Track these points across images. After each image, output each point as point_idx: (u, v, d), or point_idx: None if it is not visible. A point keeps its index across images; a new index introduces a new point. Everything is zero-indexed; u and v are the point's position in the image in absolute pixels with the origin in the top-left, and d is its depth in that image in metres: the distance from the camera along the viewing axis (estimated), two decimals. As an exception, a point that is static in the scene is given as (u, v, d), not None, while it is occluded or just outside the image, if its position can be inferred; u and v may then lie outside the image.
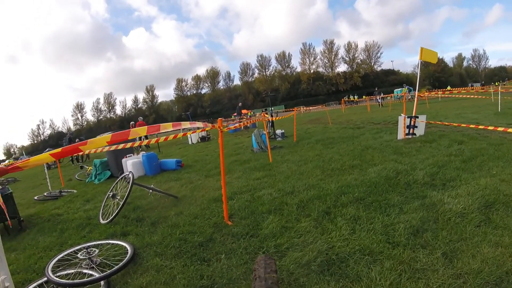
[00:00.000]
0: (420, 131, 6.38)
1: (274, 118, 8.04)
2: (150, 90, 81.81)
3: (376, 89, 31.21)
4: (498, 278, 1.67)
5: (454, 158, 4.24)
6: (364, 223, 2.48)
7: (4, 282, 1.15)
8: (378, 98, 25.90)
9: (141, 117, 18.37)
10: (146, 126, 1.94)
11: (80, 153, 9.73)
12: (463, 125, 5.57)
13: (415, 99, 6.81)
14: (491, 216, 2.39)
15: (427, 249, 2.05)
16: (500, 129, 4.38)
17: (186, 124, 2.26)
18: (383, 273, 1.83)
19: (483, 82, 38.31)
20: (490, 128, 4.75)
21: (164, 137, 4.33)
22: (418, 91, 7.07)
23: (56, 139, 67.43)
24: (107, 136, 1.70)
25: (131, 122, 17.60)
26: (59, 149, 1.56)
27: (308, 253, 2.12)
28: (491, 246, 1.98)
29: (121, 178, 4.18)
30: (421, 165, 4.03)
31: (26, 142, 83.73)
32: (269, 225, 2.67)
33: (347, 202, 2.99)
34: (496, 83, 29.12)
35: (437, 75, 64.28)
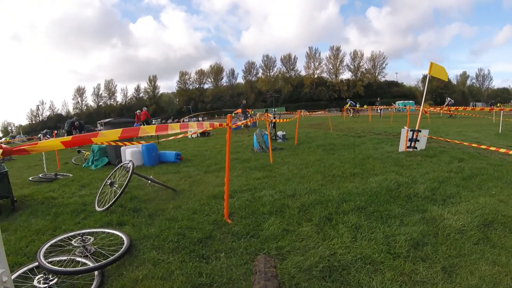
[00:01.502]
0: (421, 145, 6.38)
1: (277, 120, 8.01)
2: (152, 80, 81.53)
3: (378, 99, 31.37)
4: (495, 296, 1.66)
5: (455, 175, 4.24)
6: (366, 232, 2.47)
7: (2, 276, 1.07)
8: (378, 108, 26.08)
9: (145, 107, 18.16)
10: (155, 125, 1.91)
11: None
12: (465, 143, 5.57)
13: (420, 113, 6.82)
14: (489, 235, 2.41)
15: (427, 263, 2.06)
16: (502, 150, 4.39)
17: (193, 126, 2.21)
18: (384, 283, 1.82)
19: (493, 101, 37.92)
20: (492, 148, 4.76)
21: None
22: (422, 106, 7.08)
23: (55, 121, 66.92)
24: (117, 130, 1.69)
25: (137, 111, 17.51)
26: (69, 137, 1.53)
27: (310, 258, 2.09)
28: (489, 264, 2.00)
29: (120, 166, 4.12)
30: (422, 179, 4.03)
31: (24, 121, 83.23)
32: (270, 226, 2.63)
33: (348, 209, 2.97)
34: (498, 104, 29.43)
35: (439, 90, 64.60)
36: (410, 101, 41.45)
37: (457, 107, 10.94)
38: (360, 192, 3.53)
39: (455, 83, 73.93)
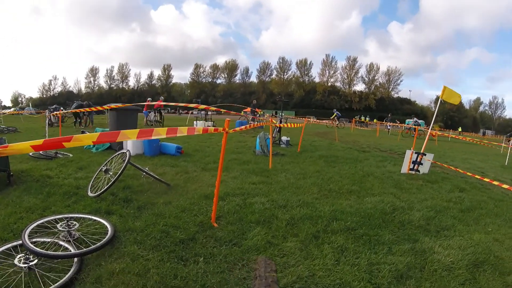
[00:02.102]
0: (424, 169, 6.28)
1: (282, 125, 7.97)
2: (166, 69, 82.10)
3: (389, 115, 31.04)
4: None
5: (453, 205, 4.16)
6: (350, 256, 2.41)
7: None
8: (388, 124, 25.83)
9: (162, 97, 18.50)
10: (138, 130, 1.88)
11: (83, 118, 9.71)
12: (468, 173, 5.46)
13: (427, 136, 6.71)
14: (477, 276, 2.32)
15: None
16: (505, 186, 4.28)
17: (183, 131, 2.14)
18: None
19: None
20: (495, 183, 4.65)
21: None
22: (431, 128, 6.98)
23: (65, 98, 67.72)
24: (94, 135, 1.70)
25: (149, 98, 17.84)
26: (41, 141, 1.54)
27: (287, 276, 2.04)
28: None
29: (117, 154, 4.14)
30: (419, 206, 3.95)
31: (35, 94, 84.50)
32: (254, 236, 2.60)
33: (338, 229, 2.91)
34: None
35: (451, 113, 63.84)
36: (421, 121, 40.94)
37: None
38: (353, 211, 3.47)
39: (468, 107, 73.05)
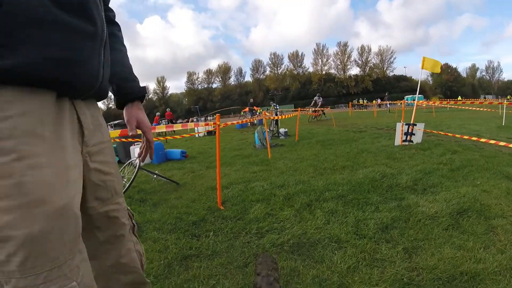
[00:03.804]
0: (417, 138, 6.56)
1: (279, 117, 8.34)
2: (161, 81, 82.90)
3: (386, 94, 31.15)
4: (451, 276, 1.76)
5: (443, 166, 4.37)
6: (339, 216, 2.75)
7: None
8: (387, 103, 26.00)
9: (168, 108, 20.14)
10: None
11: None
12: (457, 135, 5.73)
13: (414, 107, 7.00)
14: (461, 221, 2.47)
15: (391, 243, 2.19)
16: (491, 141, 4.51)
17: (178, 126, 2.58)
18: (344, 258, 2.04)
19: None
20: (482, 140, 4.93)
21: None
22: (428, 99, 7.25)
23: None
24: (117, 131, 2.12)
25: (157, 113, 19.29)
26: (118, 131, 2.01)
27: (284, 236, 2.41)
28: (454, 248, 2.06)
29: (129, 163, 4.55)
30: (409, 171, 4.17)
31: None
32: (255, 211, 2.98)
33: (329, 197, 3.26)
34: (508, 97, 28.79)
35: (449, 84, 63.46)
36: (420, 95, 40.88)
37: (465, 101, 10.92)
38: (345, 182, 3.77)
39: (465, 76, 72.39)
